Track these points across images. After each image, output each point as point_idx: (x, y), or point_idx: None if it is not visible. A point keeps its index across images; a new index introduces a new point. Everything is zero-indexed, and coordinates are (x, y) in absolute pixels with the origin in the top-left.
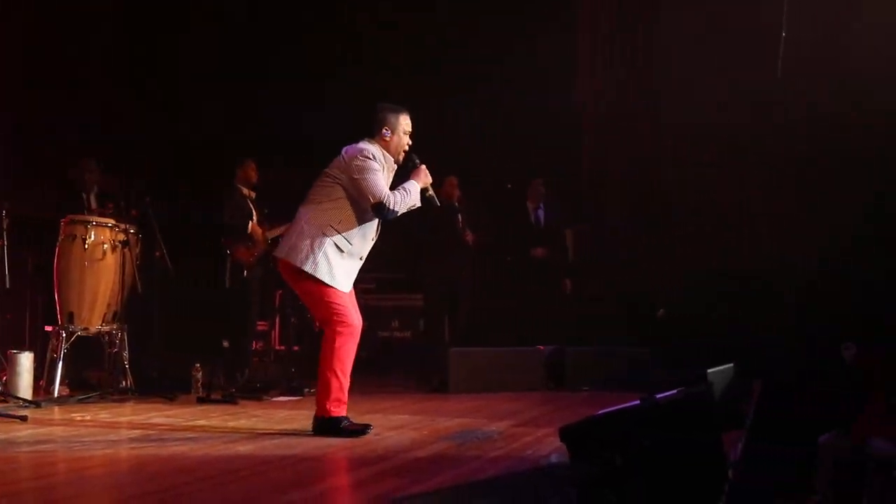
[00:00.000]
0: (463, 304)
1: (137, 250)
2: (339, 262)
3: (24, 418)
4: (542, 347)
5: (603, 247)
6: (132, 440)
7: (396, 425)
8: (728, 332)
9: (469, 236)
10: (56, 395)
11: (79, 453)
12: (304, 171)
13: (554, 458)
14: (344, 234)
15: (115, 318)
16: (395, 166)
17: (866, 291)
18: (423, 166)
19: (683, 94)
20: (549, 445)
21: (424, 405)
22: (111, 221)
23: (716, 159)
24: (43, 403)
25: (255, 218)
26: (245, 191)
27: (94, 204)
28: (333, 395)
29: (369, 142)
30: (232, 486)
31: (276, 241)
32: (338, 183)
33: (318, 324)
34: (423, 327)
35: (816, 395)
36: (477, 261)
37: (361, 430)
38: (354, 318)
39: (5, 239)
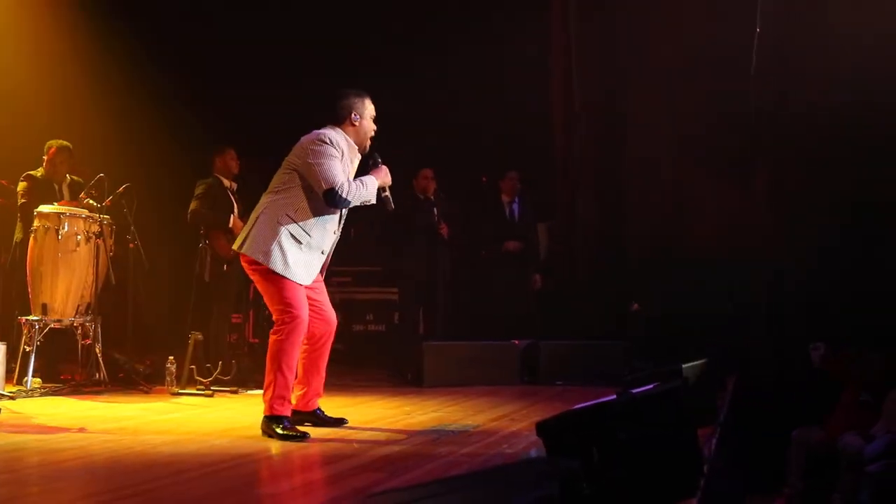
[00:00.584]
0: (438, 298)
1: (111, 241)
2: (295, 253)
3: None
4: (516, 341)
5: (575, 241)
6: (106, 433)
7: (371, 419)
8: (702, 326)
9: (444, 229)
10: (29, 387)
11: (52, 446)
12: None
13: (533, 453)
14: (300, 223)
15: (89, 309)
16: (360, 155)
17: (841, 288)
18: (385, 167)
19: (653, 90)
20: (525, 440)
21: (399, 399)
22: (85, 212)
23: (686, 154)
24: (16, 396)
25: (236, 211)
26: (225, 182)
27: (66, 194)
28: (277, 391)
29: (332, 128)
30: (207, 480)
31: None
32: (294, 170)
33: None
34: (397, 320)
35: (789, 389)
36: (452, 254)
37: (299, 436)
38: (303, 311)
39: None
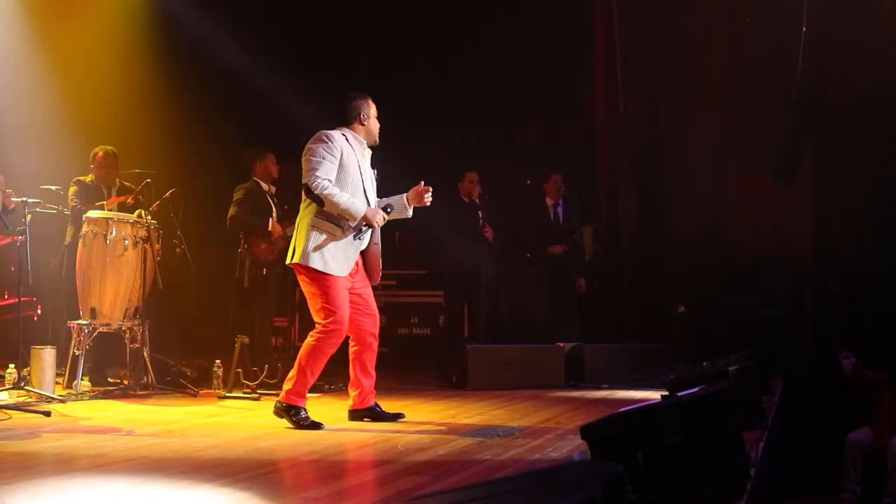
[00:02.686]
0: (483, 301)
1: (158, 246)
2: (331, 247)
3: (47, 413)
4: (561, 344)
5: (620, 244)
6: (153, 436)
7: (417, 422)
8: (746, 328)
9: (489, 232)
10: (78, 390)
11: (101, 449)
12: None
13: (577, 457)
14: (329, 219)
15: (137, 313)
16: (372, 145)
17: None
18: (381, 215)
19: (696, 91)
20: (570, 443)
21: (444, 402)
22: (132, 217)
23: (728, 154)
24: (65, 399)
25: (274, 215)
26: (264, 186)
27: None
28: (296, 388)
29: (340, 129)
30: (253, 483)
31: None
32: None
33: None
34: (442, 323)
35: (836, 390)
36: (497, 257)
37: (314, 426)
38: (344, 320)
39: (27, 234)
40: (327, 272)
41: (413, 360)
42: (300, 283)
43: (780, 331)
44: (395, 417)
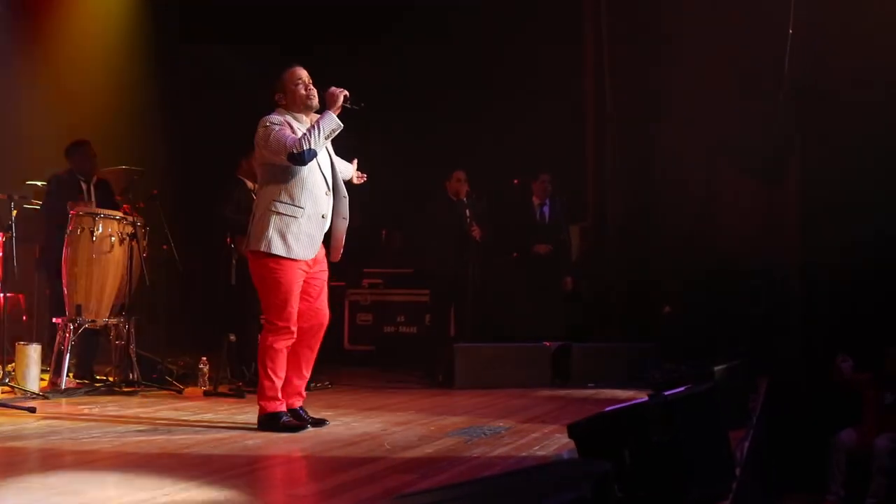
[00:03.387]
0: (469, 300)
1: (145, 243)
2: (293, 229)
3: (32, 410)
4: (548, 343)
5: (607, 243)
6: (140, 433)
7: (403, 421)
8: (732, 327)
9: (476, 231)
10: (63, 387)
11: (87, 446)
12: None
13: (565, 455)
14: (289, 202)
15: (123, 310)
16: (312, 114)
17: (873, 288)
18: (331, 89)
19: (684, 91)
20: (556, 442)
21: (430, 401)
22: (119, 214)
23: (716, 154)
24: (50, 395)
25: None
26: (249, 184)
27: (92, 194)
28: (267, 394)
29: (276, 111)
30: (240, 481)
31: None
32: (261, 162)
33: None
34: (428, 322)
35: (822, 390)
36: (483, 256)
37: (299, 426)
38: (293, 319)
39: (13, 230)
40: (290, 257)
41: (399, 359)
42: (252, 271)
43: (766, 331)
44: (319, 423)
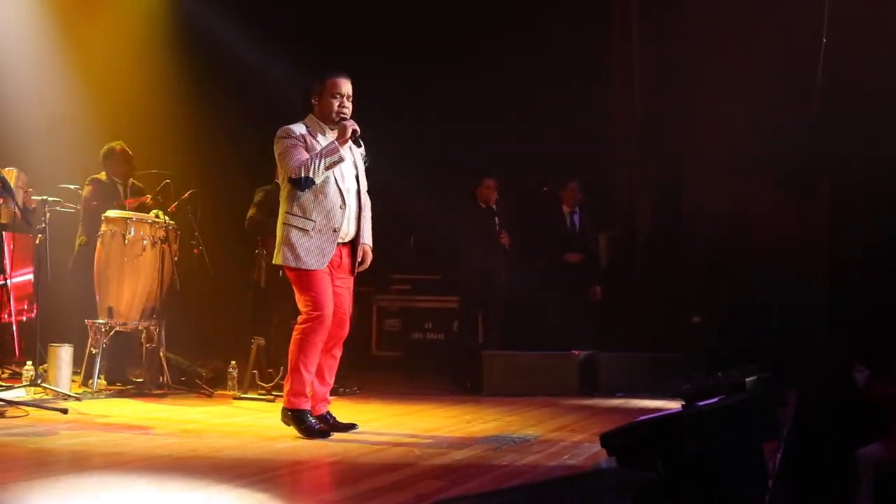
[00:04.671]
0: (498, 307)
1: (176, 246)
2: (303, 242)
3: (64, 411)
4: (576, 352)
5: (635, 252)
6: (170, 435)
7: (431, 427)
8: (762, 338)
9: (505, 238)
10: (95, 389)
11: (117, 447)
12: None
13: (604, 464)
14: (301, 215)
15: (154, 313)
16: (333, 131)
17: None
18: (345, 121)
19: (714, 100)
20: (586, 451)
21: (458, 407)
22: (151, 217)
23: (745, 164)
24: (82, 397)
25: None
26: None
27: (128, 197)
28: (294, 388)
29: (307, 118)
30: (270, 485)
31: None
32: (280, 173)
33: None
34: (456, 329)
35: (852, 402)
36: (512, 263)
37: (321, 433)
38: (326, 309)
39: (47, 233)
40: (300, 266)
41: (426, 365)
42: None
43: (793, 343)
44: (348, 428)
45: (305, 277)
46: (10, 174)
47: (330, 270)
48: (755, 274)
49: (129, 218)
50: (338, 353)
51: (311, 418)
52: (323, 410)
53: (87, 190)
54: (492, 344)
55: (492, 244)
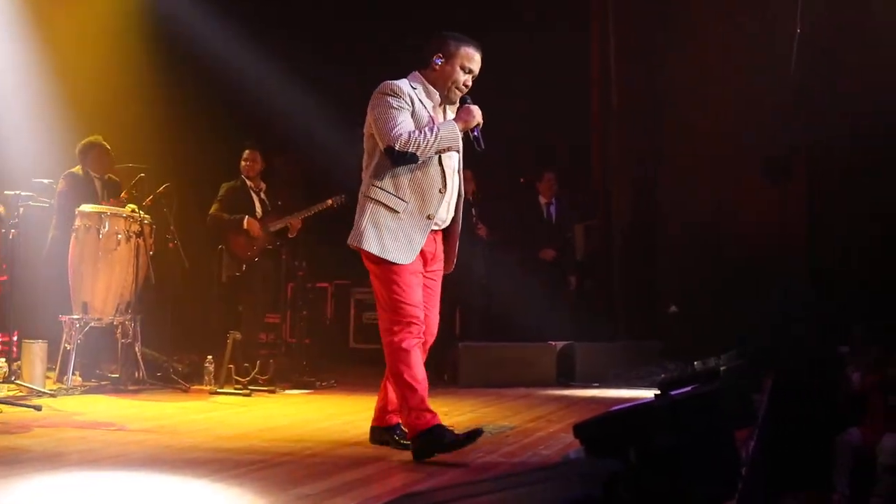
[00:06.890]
0: (475, 299)
1: (151, 241)
2: (390, 225)
3: (38, 408)
4: (553, 343)
5: (612, 242)
6: (144, 432)
7: None
8: (737, 326)
9: (482, 230)
10: (69, 385)
11: (92, 444)
12: None
13: (572, 455)
14: (394, 192)
15: (129, 308)
16: (447, 104)
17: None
18: (472, 106)
19: (691, 89)
20: (561, 441)
21: (435, 399)
22: (126, 211)
23: (723, 154)
24: (56, 394)
25: (258, 212)
26: (250, 183)
27: (104, 192)
28: (411, 404)
29: (413, 74)
30: (244, 479)
31: (280, 234)
32: (369, 132)
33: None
34: None
35: (827, 389)
36: (489, 255)
37: (468, 437)
38: (416, 310)
39: (19, 227)
40: (385, 257)
41: None
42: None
43: (772, 330)
44: (472, 436)
45: (389, 272)
46: None
47: (422, 260)
48: (734, 262)
49: (104, 212)
50: (422, 355)
51: (447, 429)
52: (394, 421)
53: (61, 185)
54: (469, 336)
55: (469, 236)
